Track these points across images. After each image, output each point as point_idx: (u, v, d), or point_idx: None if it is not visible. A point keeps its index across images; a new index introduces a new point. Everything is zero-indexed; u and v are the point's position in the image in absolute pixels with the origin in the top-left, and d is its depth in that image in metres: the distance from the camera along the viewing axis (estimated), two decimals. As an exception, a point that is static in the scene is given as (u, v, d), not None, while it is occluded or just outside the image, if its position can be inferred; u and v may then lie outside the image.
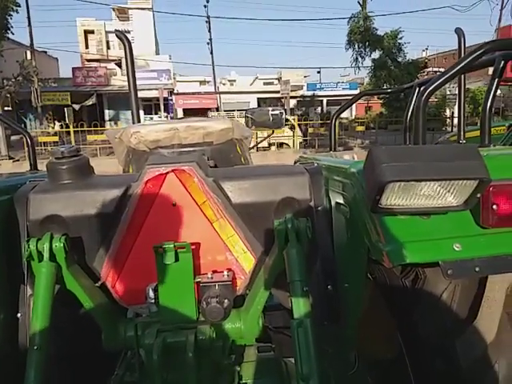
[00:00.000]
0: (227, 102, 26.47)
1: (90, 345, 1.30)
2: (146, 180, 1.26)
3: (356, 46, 21.63)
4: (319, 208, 1.31)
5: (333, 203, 1.34)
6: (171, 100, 26.13)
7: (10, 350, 1.21)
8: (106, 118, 26.82)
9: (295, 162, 1.88)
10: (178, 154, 1.67)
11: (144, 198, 1.27)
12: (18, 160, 14.82)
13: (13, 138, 18.20)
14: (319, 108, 30.23)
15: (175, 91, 26.35)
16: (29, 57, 21.71)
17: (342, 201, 1.26)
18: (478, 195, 0.96)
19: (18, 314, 1.24)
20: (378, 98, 23.65)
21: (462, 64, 1.21)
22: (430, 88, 1.24)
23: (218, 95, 27.18)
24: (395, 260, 0.93)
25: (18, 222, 1.25)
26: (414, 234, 0.98)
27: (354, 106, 29.76)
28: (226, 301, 1.20)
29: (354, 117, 28.45)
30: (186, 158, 1.35)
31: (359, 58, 21.88)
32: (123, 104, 25.42)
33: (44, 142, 15.69)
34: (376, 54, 21.56)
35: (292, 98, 26.18)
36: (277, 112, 3.21)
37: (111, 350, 1.32)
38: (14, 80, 19.80)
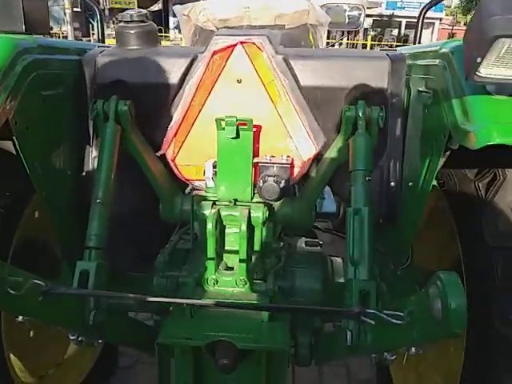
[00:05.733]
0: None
1: (148, 212, 1.36)
2: (213, 51, 1.21)
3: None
4: (396, 98, 1.21)
5: (413, 93, 1.23)
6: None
7: (73, 204, 1.29)
8: (171, 25, 26.29)
9: None
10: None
11: (209, 71, 1.23)
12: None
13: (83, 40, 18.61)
14: (396, 30, 27.56)
15: None
16: (98, -47, 21.19)
17: (424, 88, 1.15)
18: None
19: (83, 173, 1.31)
20: (465, 25, 21.07)
21: None
22: None
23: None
24: (482, 140, 0.83)
25: (86, 83, 1.27)
26: (510, 116, 0.86)
27: (435, 31, 26.83)
28: (282, 182, 1.19)
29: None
30: (257, 32, 1.27)
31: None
32: (188, 12, 24.64)
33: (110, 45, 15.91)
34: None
35: (368, 16, 23.91)
36: (355, 13, 2.89)
37: (167, 220, 1.38)
38: (83, -22, 19.61)
